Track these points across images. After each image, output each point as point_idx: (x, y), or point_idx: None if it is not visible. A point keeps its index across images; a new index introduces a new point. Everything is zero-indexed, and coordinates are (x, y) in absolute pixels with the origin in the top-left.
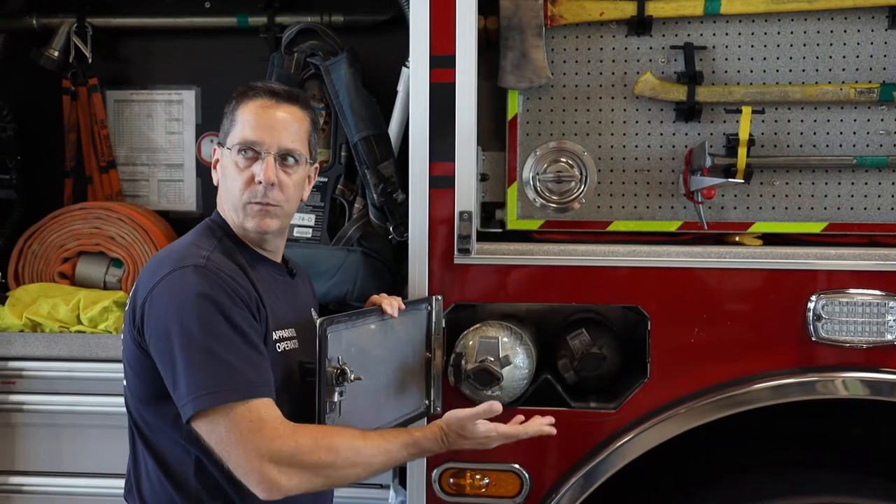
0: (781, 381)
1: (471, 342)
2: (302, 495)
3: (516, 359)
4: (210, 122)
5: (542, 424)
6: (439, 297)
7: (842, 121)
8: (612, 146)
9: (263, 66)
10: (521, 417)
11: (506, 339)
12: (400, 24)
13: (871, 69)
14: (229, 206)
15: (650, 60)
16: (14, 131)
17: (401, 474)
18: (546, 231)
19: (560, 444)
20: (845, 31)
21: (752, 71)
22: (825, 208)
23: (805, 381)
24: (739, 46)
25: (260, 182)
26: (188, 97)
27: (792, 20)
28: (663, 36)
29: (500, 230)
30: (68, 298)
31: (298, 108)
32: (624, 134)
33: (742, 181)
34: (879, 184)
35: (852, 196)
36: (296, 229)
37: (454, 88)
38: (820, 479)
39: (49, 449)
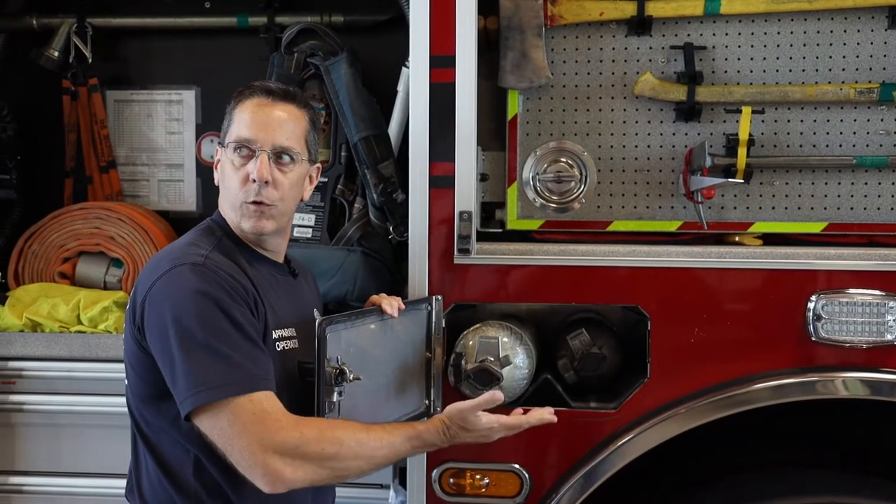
0: (781, 381)
1: (471, 342)
2: (301, 492)
3: (516, 359)
4: (210, 122)
5: (543, 413)
6: (439, 297)
7: (842, 121)
8: (612, 146)
9: (263, 66)
10: (520, 410)
11: (506, 339)
12: (400, 24)
13: (871, 69)
14: (227, 205)
15: (650, 60)
16: (14, 131)
17: (401, 474)
18: (546, 231)
19: (560, 444)
20: (845, 31)
21: (752, 71)
22: (825, 208)
23: (805, 381)
24: (739, 46)
25: (254, 180)
26: (188, 97)
27: (792, 20)
28: (663, 36)
29: (500, 230)
30: (68, 298)
31: (295, 106)
32: (624, 134)
33: (742, 181)
34: (879, 184)
35: (852, 196)
36: (296, 229)
37: (454, 88)
38: (820, 479)
39: (49, 449)
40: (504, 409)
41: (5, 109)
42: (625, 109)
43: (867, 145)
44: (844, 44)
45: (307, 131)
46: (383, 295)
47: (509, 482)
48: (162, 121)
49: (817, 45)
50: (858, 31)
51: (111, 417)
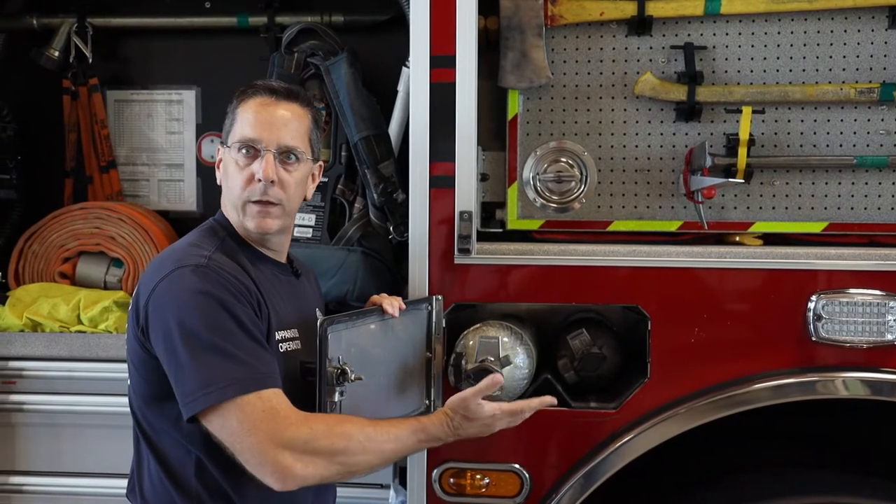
0: (781, 381)
1: (471, 342)
2: (303, 493)
3: (516, 359)
4: (210, 122)
5: (543, 398)
6: (439, 297)
7: (842, 121)
8: (612, 146)
9: (263, 66)
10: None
11: (506, 339)
12: (400, 24)
13: (871, 69)
14: (230, 205)
15: (650, 60)
16: (14, 131)
17: (401, 474)
18: (546, 231)
19: (560, 444)
20: (845, 31)
21: (752, 71)
22: (825, 208)
23: (805, 381)
24: (739, 46)
25: (259, 180)
26: (188, 97)
27: (792, 20)
28: (663, 36)
29: (501, 230)
30: (69, 298)
31: (299, 105)
32: (624, 134)
33: (742, 181)
34: (880, 184)
35: (852, 196)
36: (296, 229)
37: (454, 88)
38: (820, 479)
39: (49, 449)
40: None
41: (5, 109)
42: (625, 109)
43: (867, 145)
44: (845, 44)
45: (310, 130)
46: (384, 295)
47: (509, 482)
48: (162, 121)
49: (817, 45)
50: (859, 30)
51: (111, 417)
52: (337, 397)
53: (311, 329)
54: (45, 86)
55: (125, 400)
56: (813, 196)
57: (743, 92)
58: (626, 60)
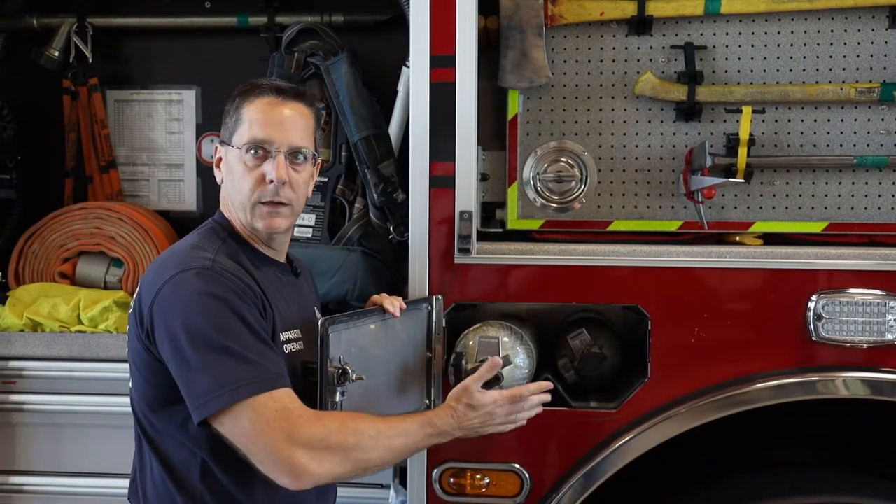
0: (782, 381)
1: (471, 342)
2: (307, 492)
3: (517, 359)
4: (210, 122)
5: (541, 382)
6: (440, 297)
7: (842, 120)
8: (612, 146)
9: (263, 66)
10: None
11: (506, 339)
12: (400, 24)
13: (871, 69)
14: (237, 205)
15: (650, 60)
16: (14, 131)
17: (401, 474)
18: (546, 231)
19: (560, 444)
20: (845, 31)
21: (752, 71)
22: (825, 208)
23: (805, 381)
24: (740, 46)
25: (272, 181)
26: (188, 97)
27: (792, 20)
28: (663, 36)
29: (501, 230)
30: (69, 298)
31: (304, 104)
32: (624, 134)
33: (742, 181)
34: (880, 183)
35: (853, 196)
36: (296, 229)
37: (454, 88)
38: (820, 479)
39: (49, 449)
40: None
41: (5, 109)
42: (625, 109)
43: (868, 145)
44: (845, 43)
45: (315, 129)
46: (384, 295)
47: (509, 482)
48: (162, 121)
49: (818, 44)
50: (859, 30)
51: (112, 417)
52: (338, 397)
53: (312, 329)
54: (45, 86)
55: (126, 400)
56: (813, 196)
57: (743, 92)
58: (626, 60)
